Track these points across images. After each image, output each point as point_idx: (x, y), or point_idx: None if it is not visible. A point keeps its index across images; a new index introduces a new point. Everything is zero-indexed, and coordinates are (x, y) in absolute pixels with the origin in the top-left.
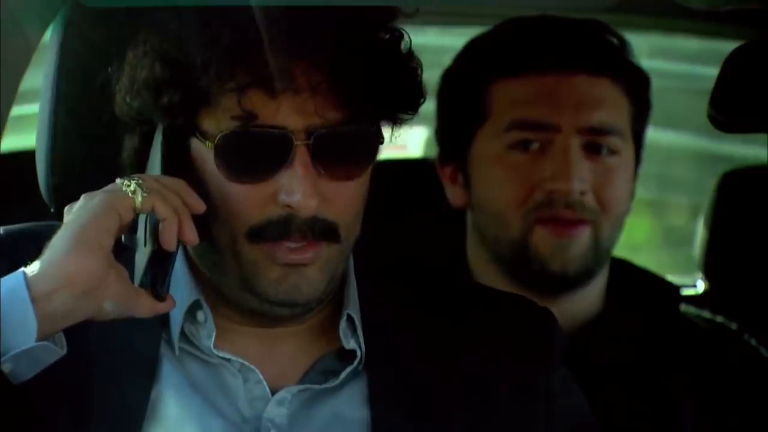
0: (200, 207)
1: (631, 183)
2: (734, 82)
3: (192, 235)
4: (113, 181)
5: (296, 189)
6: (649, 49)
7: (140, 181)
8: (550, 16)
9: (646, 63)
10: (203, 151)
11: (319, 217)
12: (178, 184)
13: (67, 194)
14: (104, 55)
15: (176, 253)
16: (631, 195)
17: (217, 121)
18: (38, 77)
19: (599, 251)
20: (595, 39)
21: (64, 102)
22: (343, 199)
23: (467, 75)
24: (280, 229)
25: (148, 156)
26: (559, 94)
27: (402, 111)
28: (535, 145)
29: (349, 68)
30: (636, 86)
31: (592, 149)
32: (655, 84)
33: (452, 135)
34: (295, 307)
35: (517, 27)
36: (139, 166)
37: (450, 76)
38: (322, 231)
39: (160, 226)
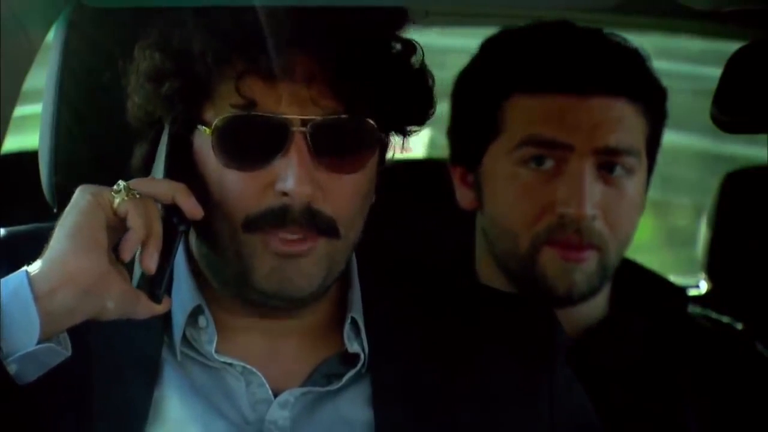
0: (197, 213)
1: (641, 200)
2: (737, 83)
3: (150, 262)
4: (115, 181)
5: (290, 175)
6: (651, 50)
7: (129, 186)
8: (569, 26)
9: None
10: (204, 140)
11: (315, 208)
12: (176, 188)
13: (69, 195)
14: (107, 55)
15: (173, 256)
16: (642, 208)
17: (216, 110)
18: (41, 77)
19: (605, 272)
20: (616, 57)
21: (66, 102)
22: (342, 193)
23: (485, 85)
24: (276, 219)
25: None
26: (576, 114)
27: (408, 123)
28: (548, 164)
29: (345, 59)
30: (654, 102)
31: (606, 169)
32: None
33: (464, 142)
34: (291, 301)
35: (537, 38)
36: (146, 170)
37: (466, 82)
38: (319, 225)
39: (126, 234)
